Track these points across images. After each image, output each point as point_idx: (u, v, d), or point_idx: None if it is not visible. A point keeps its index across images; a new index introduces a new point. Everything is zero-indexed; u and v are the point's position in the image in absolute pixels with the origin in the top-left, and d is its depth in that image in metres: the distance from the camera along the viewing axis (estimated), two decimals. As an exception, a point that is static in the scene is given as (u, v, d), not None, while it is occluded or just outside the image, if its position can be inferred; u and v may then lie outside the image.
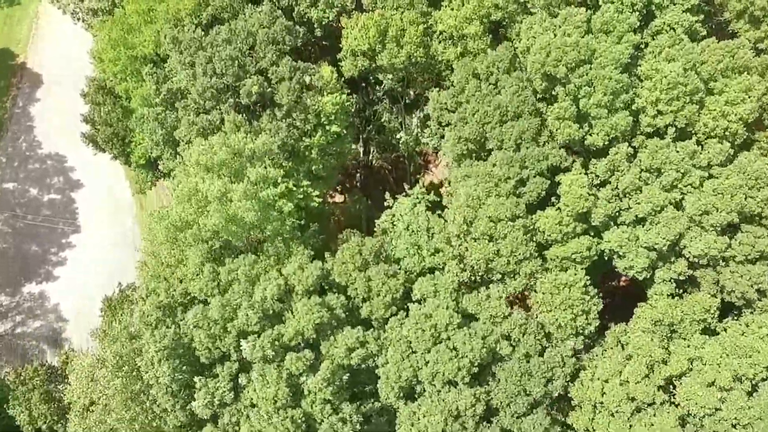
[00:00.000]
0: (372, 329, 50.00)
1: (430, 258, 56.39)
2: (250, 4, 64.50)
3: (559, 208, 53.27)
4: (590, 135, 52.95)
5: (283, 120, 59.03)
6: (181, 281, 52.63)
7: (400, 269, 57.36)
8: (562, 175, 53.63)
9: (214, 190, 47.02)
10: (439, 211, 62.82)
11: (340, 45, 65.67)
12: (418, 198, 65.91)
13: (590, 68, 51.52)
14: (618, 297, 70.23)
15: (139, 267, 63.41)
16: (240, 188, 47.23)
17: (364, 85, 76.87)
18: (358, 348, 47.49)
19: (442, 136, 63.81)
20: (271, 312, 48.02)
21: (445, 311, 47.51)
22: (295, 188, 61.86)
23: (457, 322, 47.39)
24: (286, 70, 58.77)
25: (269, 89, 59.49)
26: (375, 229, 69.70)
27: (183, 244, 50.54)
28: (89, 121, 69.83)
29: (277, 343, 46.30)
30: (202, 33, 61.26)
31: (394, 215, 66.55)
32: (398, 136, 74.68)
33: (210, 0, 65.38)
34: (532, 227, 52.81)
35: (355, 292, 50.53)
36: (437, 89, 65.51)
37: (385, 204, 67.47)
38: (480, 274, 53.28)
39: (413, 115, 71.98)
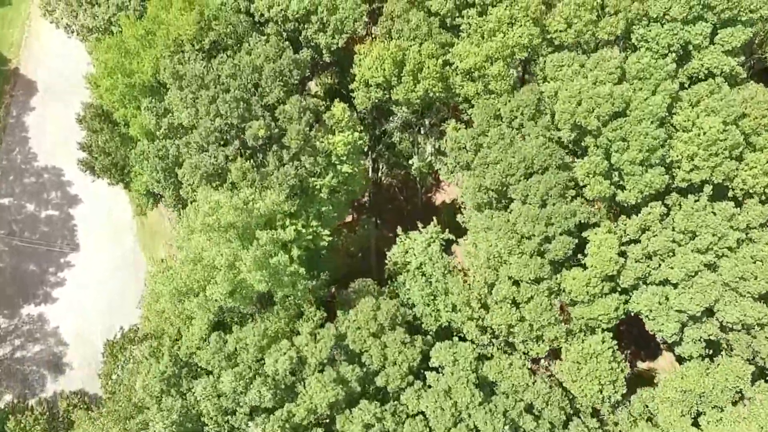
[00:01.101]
0: (389, 402, 47.51)
1: (447, 314, 53.68)
2: (254, 32, 60.33)
3: (584, 267, 50.30)
4: (622, 191, 49.65)
5: (291, 162, 55.53)
6: (182, 339, 50.13)
7: (415, 323, 54.91)
8: (591, 232, 50.47)
9: (222, 260, 43.93)
10: (455, 238, 59.91)
11: (352, 68, 61.71)
12: (432, 237, 62.90)
13: (625, 122, 47.90)
14: (636, 326, 68.10)
15: (142, 322, 60.65)
16: (249, 256, 44.12)
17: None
18: (374, 425, 45.11)
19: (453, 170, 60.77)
20: (282, 386, 45.48)
21: (466, 389, 44.96)
22: (303, 229, 58.83)
23: (478, 401, 44.87)
24: (294, 110, 54.97)
25: (276, 129, 55.82)
26: (386, 261, 66.99)
27: (188, 307, 47.73)
28: (86, 149, 66.22)
29: (287, 425, 43.88)
30: (204, 65, 57.24)
31: (407, 251, 63.80)
32: (410, 162, 71.22)
33: (213, 24, 61.20)
34: (556, 288, 49.91)
35: (370, 359, 47.93)
36: (454, 121, 61.93)
37: (398, 240, 64.84)
38: (501, 338, 50.60)
39: (427, 143, 68.35)
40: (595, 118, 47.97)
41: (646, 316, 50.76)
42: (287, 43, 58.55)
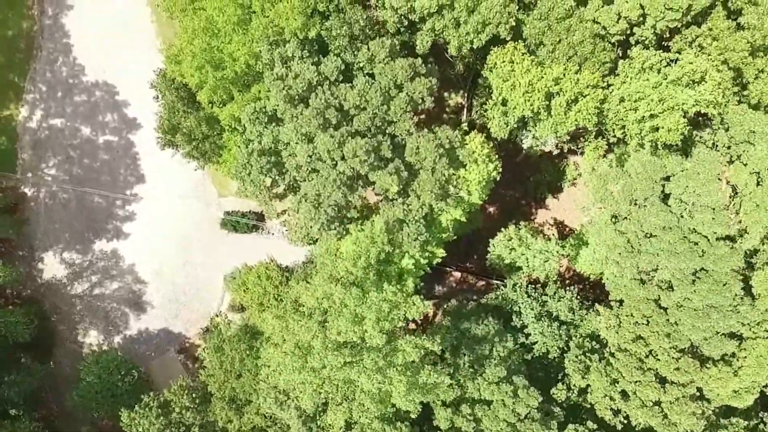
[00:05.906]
0: None
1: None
2: (379, 38, 49.25)
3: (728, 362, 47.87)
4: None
5: (421, 209, 49.27)
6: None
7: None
8: (748, 332, 47.04)
9: (371, 384, 41.11)
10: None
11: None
12: (552, 252, 58.97)
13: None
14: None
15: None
16: (404, 382, 41.26)
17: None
18: None
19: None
20: None
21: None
22: (420, 257, 54.70)
23: None
24: (430, 157, 47.20)
25: (405, 171, 48.37)
26: (489, 251, 63.71)
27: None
28: (168, 131, 57.61)
29: None
30: (314, 71, 47.69)
31: (512, 249, 60.14)
32: (523, 141, 63.80)
33: (319, 6, 49.74)
34: (697, 395, 48.06)
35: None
36: (594, 136, 54.23)
37: (505, 234, 60.83)
38: None
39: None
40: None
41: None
42: (420, 61, 47.97)
